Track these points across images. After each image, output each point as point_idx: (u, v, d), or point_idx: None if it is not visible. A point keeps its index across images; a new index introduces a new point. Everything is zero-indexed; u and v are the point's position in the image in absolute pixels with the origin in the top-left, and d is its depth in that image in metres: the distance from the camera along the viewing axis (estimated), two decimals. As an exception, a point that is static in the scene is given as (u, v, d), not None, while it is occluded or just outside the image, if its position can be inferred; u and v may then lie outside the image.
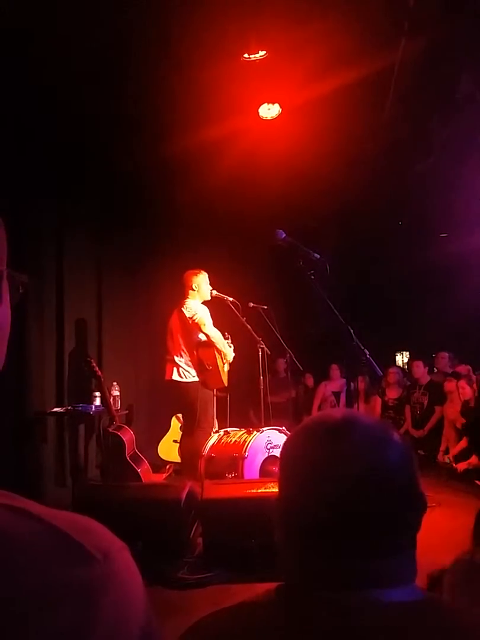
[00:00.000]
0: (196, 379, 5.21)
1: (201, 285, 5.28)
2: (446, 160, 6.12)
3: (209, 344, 5.17)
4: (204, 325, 5.13)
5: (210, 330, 5.15)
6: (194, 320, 5.12)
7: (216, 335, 5.17)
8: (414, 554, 0.87)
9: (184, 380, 5.23)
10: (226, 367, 5.33)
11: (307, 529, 0.84)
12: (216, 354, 5.18)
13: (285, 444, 0.95)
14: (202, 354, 5.19)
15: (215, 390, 5.36)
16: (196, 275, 5.30)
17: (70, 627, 0.45)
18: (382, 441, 0.86)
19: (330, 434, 0.86)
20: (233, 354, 5.35)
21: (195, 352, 5.21)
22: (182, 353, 5.26)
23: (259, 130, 5.50)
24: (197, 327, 5.14)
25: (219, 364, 5.20)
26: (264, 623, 0.81)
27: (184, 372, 5.24)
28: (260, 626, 0.81)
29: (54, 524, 0.50)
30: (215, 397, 5.37)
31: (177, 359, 5.27)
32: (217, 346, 5.17)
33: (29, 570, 0.46)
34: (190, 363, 5.25)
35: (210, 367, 5.16)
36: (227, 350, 5.27)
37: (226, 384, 5.31)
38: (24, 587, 0.46)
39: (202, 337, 5.18)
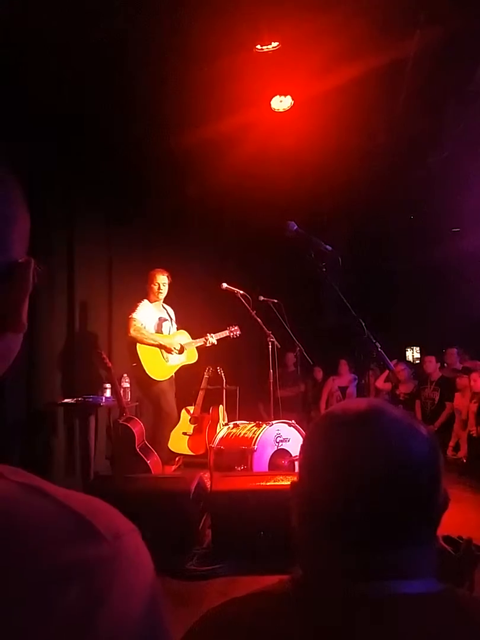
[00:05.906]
0: None
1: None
2: (459, 154, 6.06)
3: None
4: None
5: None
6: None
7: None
8: (433, 547, 0.86)
9: None
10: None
11: (328, 520, 0.83)
12: None
13: (308, 433, 0.93)
14: None
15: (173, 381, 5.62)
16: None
17: (77, 607, 0.45)
18: (410, 433, 0.85)
19: (356, 425, 0.85)
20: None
21: None
22: None
23: (271, 122, 5.47)
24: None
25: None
26: (279, 612, 0.80)
27: None
28: (274, 615, 0.80)
29: (66, 503, 0.50)
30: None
31: None
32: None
33: (39, 548, 0.47)
34: None
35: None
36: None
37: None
38: (33, 564, 0.46)
39: None
